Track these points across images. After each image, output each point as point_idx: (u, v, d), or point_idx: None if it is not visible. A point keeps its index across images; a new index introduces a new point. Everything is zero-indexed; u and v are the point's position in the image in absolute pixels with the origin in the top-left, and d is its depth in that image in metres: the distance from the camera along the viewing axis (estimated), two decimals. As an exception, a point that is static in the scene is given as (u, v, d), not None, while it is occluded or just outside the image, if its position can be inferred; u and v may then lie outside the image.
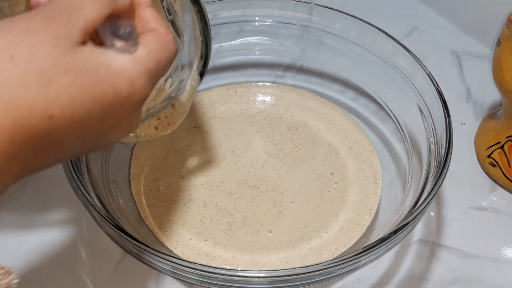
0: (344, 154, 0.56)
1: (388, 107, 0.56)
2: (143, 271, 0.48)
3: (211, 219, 0.51)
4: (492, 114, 0.58)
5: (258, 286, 0.41)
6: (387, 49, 0.54)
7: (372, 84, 0.57)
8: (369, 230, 0.50)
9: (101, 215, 0.41)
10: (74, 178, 0.43)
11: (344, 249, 0.49)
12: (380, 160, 0.55)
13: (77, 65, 0.25)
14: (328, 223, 0.50)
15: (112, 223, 0.41)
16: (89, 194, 0.42)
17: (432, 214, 0.53)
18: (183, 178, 0.54)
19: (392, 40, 0.53)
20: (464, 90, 0.64)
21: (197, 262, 0.41)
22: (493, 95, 0.62)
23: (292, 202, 0.52)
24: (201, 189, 0.53)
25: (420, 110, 0.51)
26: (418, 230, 0.51)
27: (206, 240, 0.49)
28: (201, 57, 0.40)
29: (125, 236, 0.40)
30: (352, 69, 0.58)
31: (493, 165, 0.54)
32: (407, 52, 0.52)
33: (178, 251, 0.48)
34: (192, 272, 0.39)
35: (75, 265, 0.48)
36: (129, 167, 0.54)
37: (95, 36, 0.27)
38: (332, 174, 0.54)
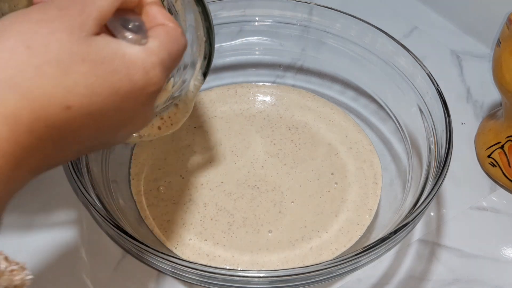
0: (344, 154, 0.56)
1: (388, 107, 0.56)
2: (143, 271, 0.48)
3: (211, 219, 0.51)
4: (492, 114, 0.58)
5: (258, 286, 0.41)
6: (387, 49, 0.54)
7: (372, 84, 0.57)
8: (369, 230, 0.50)
9: (101, 215, 0.41)
10: (74, 178, 0.43)
11: (344, 249, 0.49)
12: (380, 160, 0.55)
13: (93, 54, 0.25)
14: (328, 223, 0.50)
15: (112, 223, 0.41)
16: (89, 194, 0.42)
17: (432, 214, 0.53)
18: (183, 178, 0.54)
19: (392, 40, 0.53)
20: (464, 90, 0.64)
21: (197, 262, 0.41)
22: (493, 95, 0.62)
23: (292, 202, 0.52)
24: (201, 189, 0.53)
25: (420, 110, 0.51)
26: (418, 230, 0.51)
27: (206, 240, 0.49)
28: (205, 57, 0.39)
29: (125, 236, 0.40)
30: (352, 69, 0.58)
31: (493, 165, 0.54)
32: (407, 52, 0.52)
33: (178, 251, 0.48)
34: (192, 272, 0.39)
35: (75, 265, 0.48)
36: (129, 167, 0.54)
37: (106, 31, 0.27)
38: (332, 174, 0.54)
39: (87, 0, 0.26)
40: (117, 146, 0.54)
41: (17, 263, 0.24)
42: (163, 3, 0.38)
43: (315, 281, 0.41)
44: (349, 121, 0.59)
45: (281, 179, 0.54)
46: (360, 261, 0.40)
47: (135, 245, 0.40)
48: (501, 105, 0.55)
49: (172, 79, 0.40)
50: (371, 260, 0.42)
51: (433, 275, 0.48)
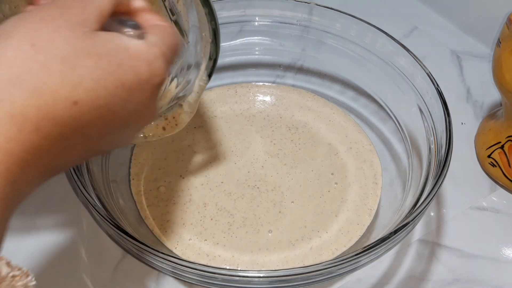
0: (344, 154, 0.56)
1: (388, 107, 0.56)
2: (143, 271, 0.48)
3: (211, 219, 0.51)
4: (492, 114, 0.58)
5: (258, 286, 0.41)
6: (387, 49, 0.54)
7: (372, 84, 0.57)
8: (369, 230, 0.50)
9: (101, 215, 0.41)
10: (74, 178, 0.43)
11: (344, 249, 0.49)
12: (380, 160, 0.55)
13: (98, 48, 0.25)
14: (328, 223, 0.50)
15: (112, 223, 0.41)
16: (89, 194, 0.42)
17: (432, 214, 0.53)
18: (183, 178, 0.54)
19: (392, 40, 0.53)
20: (464, 90, 0.64)
21: (197, 262, 0.41)
22: (493, 95, 0.62)
23: (292, 202, 0.52)
24: (201, 189, 0.53)
25: (420, 110, 0.51)
26: (418, 230, 0.51)
27: (206, 240, 0.49)
28: (210, 58, 0.39)
29: (125, 236, 0.40)
30: (352, 69, 0.58)
31: (493, 165, 0.54)
32: (407, 52, 0.52)
33: (178, 251, 0.48)
34: (192, 272, 0.39)
35: (75, 265, 0.48)
36: (129, 167, 0.54)
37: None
38: (332, 174, 0.54)
39: None
40: (117, 146, 0.54)
41: (19, 269, 0.24)
42: (164, 4, 0.38)
43: (315, 281, 0.41)
44: (349, 121, 0.59)
45: (281, 179, 0.54)
46: (360, 261, 0.40)
47: (135, 245, 0.40)
48: (501, 105, 0.55)
49: (175, 80, 0.40)
50: (371, 260, 0.42)
51: (433, 275, 0.48)
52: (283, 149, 0.56)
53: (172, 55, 0.29)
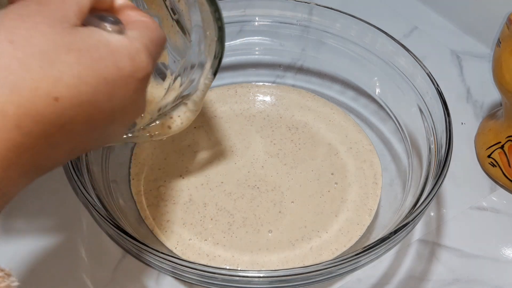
0: (344, 154, 0.56)
1: (388, 107, 0.56)
2: (143, 271, 0.48)
3: (211, 219, 0.51)
4: (492, 114, 0.58)
5: (258, 286, 0.41)
6: (387, 49, 0.54)
7: (372, 84, 0.57)
8: (369, 230, 0.50)
9: (101, 215, 0.41)
10: (74, 178, 0.43)
11: (344, 249, 0.49)
12: (380, 160, 0.55)
13: (78, 43, 0.25)
14: (328, 223, 0.50)
15: (112, 223, 0.41)
16: (89, 194, 0.42)
17: (432, 214, 0.53)
18: (183, 178, 0.54)
19: (392, 40, 0.53)
20: (464, 90, 0.64)
21: (197, 262, 0.41)
22: (493, 95, 0.62)
23: (292, 202, 0.52)
24: (201, 189, 0.53)
25: (420, 110, 0.51)
26: (418, 230, 0.51)
27: (206, 240, 0.49)
28: (215, 57, 0.39)
29: (125, 236, 0.40)
30: (352, 69, 0.58)
31: (493, 165, 0.54)
32: (407, 52, 0.52)
33: (178, 251, 0.48)
34: (192, 272, 0.39)
35: (75, 265, 0.48)
36: (129, 167, 0.54)
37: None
38: (332, 174, 0.54)
39: None
40: (117, 146, 0.54)
41: (2, 270, 0.24)
42: (165, 3, 0.38)
43: (315, 281, 0.41)
44: (349, 121, 0.59)
45: (281, 179, 0.54)
46: (360, 261, 0.40)
47: (135, 245, 0.40)
48: (501, 105, 0.55)
49: (179, 78, 0.40)
50: (371, 260, 0.42)
51: (433, 275, 0.48)
52: (283, 149, 0.56)
53: (156, 49, 0.29)
